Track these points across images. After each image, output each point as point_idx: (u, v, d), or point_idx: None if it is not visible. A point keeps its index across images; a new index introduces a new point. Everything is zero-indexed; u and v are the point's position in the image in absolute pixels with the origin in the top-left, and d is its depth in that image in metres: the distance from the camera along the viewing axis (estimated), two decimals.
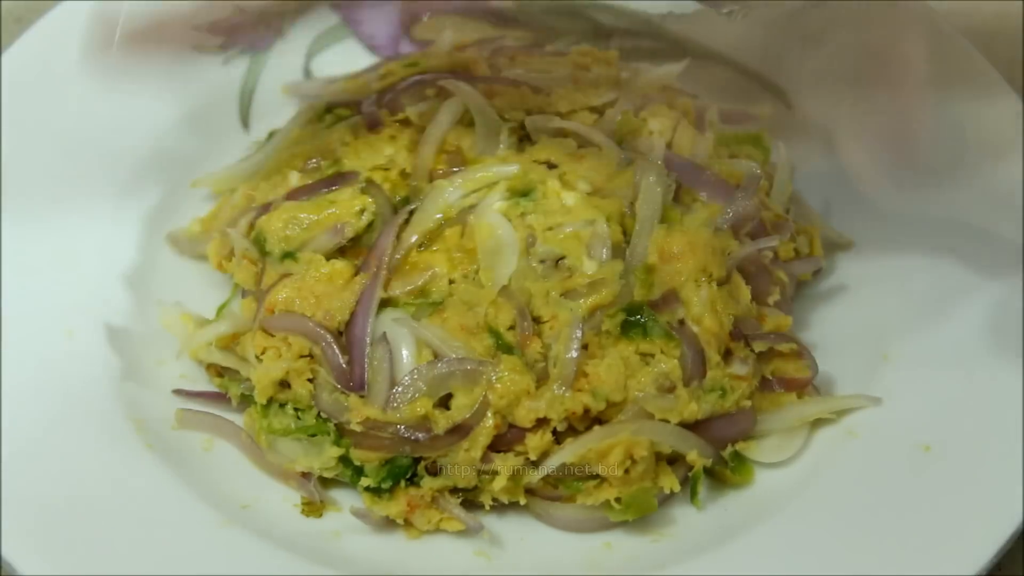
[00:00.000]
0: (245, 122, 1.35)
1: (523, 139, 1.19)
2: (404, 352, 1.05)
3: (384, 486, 1.04)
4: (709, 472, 1.07)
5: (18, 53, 1.29)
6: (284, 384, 1.08)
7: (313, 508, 1.07)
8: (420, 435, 1.03)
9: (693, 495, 1.06)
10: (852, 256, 1.22)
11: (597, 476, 1.03)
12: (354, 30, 1.40)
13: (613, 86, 1.24)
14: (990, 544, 0.96)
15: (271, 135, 1.28)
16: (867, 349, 1.14)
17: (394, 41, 1.39)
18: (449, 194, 1.12)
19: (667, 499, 1.06)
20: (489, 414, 1.02)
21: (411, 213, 1.12)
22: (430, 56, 1.30)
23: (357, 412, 1.04)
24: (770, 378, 1.09)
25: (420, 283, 1.08)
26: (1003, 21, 1.42)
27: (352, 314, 1.06)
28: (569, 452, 1.02)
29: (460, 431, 1.03)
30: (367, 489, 1.05)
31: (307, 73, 1.38)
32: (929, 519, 0.99)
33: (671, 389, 1.03)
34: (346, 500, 1.08)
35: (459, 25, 1.39)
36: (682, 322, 1.06)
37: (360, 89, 1.27)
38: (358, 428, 1.04)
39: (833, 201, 1.26)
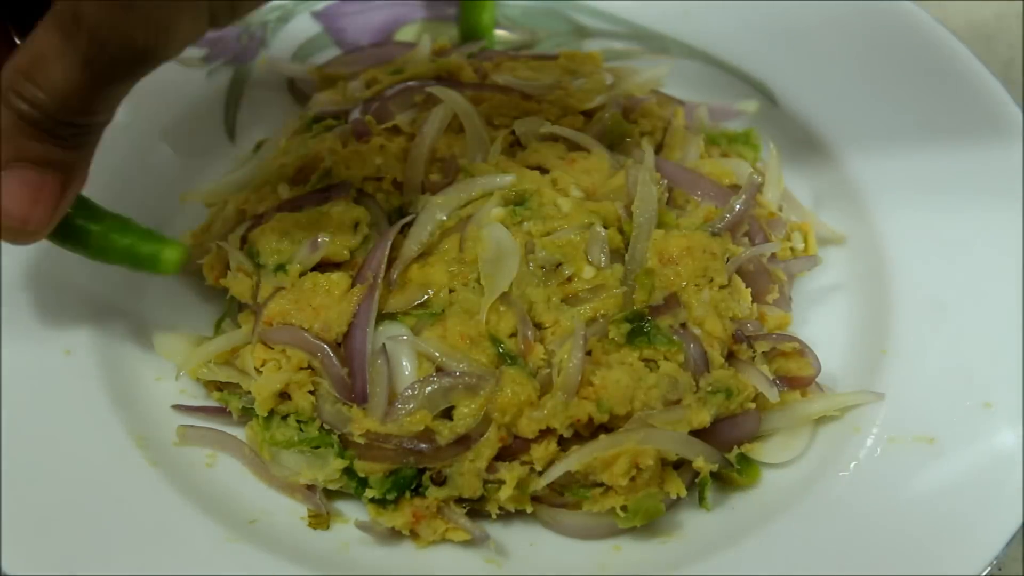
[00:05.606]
0: (231, 134, 1.34)
1: (513, 144, 1.19)
2: (404, 364, 1.04)
3: (389, 497, 1.04)
4: (716, 475, 1.07)
5: None
6: (285, 396, 1.07)
7: (320, 520, 1.06)
8: (424, 446, 1.03)
9: (701, 499, 1.06)
10: (844, 251, 1.23)
11: (603, 484, 1.03)
12: (337, 39, 1.39)
13: (602, 90, 1.24)
14: (991, 544, 0.97)
15: (259, 146, 1.27)
16: (866, 344, 1.14)
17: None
18: (443, 211, 1.11)
19: (675, 502, 1.06)
20: (493, 427, 1.02)
21: (406, 225, 1.11)
22: (415, 63, 1.29)
23: (359, 424, 1.03)
24: (773, 377, 1.09)
25: (421, 300, 1.08)
26: (1003, 21, 1.44)
27: (350, 326, 1.06)
28: (575, 461, 1.02)
29: (464, 442, 1.03)
30: (372, 500, 1.04)
31: (291, 83, 1.37)
32: (932, 521, 1.00)
33: (677, 401, 1.03)
34: (352, 512, 1.08)
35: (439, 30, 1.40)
36: (684, 325, 1.06)
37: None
38: (360, 440, 1.03)
39: (823, 196, 1.27)
